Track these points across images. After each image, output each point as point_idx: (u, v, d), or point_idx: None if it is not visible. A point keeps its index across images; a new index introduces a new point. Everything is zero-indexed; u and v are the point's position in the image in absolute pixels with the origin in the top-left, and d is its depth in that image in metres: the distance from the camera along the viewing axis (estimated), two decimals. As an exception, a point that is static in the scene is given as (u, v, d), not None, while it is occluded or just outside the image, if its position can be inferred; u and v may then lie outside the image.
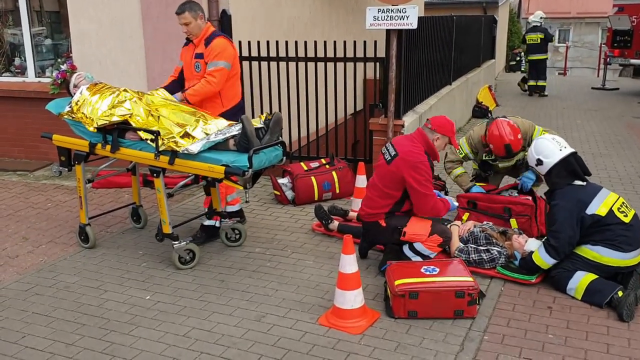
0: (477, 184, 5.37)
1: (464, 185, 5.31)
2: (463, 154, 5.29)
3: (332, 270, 4.42)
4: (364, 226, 4.48)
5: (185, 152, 4.18)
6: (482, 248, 4.39)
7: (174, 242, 4.50)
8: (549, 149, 4.23)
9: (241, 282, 4.33)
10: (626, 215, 4.01)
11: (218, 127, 4.32)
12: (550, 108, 13.10)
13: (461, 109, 10.57)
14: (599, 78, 18.92)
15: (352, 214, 5.39)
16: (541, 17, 14.87)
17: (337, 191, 6.13)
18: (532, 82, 14.95)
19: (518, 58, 21.66)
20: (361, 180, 5.56)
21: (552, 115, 12.12)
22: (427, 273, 3.83)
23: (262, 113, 6.36)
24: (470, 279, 3.79)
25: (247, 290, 4.20)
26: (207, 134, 4.25)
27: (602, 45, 19.91)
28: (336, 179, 6.12)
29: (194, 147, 4.16)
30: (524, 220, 4.90)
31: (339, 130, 6.87)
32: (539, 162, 4.21)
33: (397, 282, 3.74)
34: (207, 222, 5.01)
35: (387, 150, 4.37)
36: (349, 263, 3.63)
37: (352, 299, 3.63)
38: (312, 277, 4.39)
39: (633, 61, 14.88)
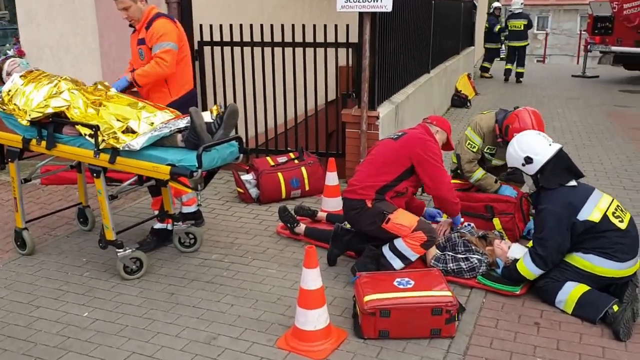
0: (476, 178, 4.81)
1: (490, 187, 4.76)
2: (476, 147, 4.72)
3: (296, 281, 3.96)
4: (345, 205, 4.02)
5: (127, 148, 3.67)
6: (460, 256, 3.96)
7: (118, 250, 4.00)
8: (538, 144, 3.80)
9: (193, 295, 3.85)
10: (622, 221, 3.61)
11: (164, 119, 3.81)
12: (530, 96, 12.76)
13: (440, 98, 10.14)
14: (578, 65, 18.68)
15: (322, 215, 4.93)
16: (522, 3, 14.55)
17: (307, 188, 5.66)
18: (509, 66, 14.92)
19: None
20: (332, 178, 5.09)
21: (532, 103, 11.72)
22: (401, 287, 3.39)
23: (224, 104, 5.88)
24: (449, 293, 3.35)
25: (199, 305, 3.72)
26: (151, 126, 3.74)
27: (582, 32, 19.63)
28: (305, 175, 5.65)
29: (136, 143, 3.65)
30: (508, 219, 4.49)
31: (309, 122, 6.38)
32: (528, 161, 3.77)
33: (367, 299, 3.29)
34: (158, 225, 4.51)
35: (393, 134, 4.16)
36: (312, 278, 3.16)
37: (315, 319, 3.18)
38: (273, 289, 3.92)
39: (614, 48, 14.62)
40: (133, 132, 3.72)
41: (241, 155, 3.99)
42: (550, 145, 3.79)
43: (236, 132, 4.04)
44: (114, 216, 4.16)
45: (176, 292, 3.89)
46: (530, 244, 4.01)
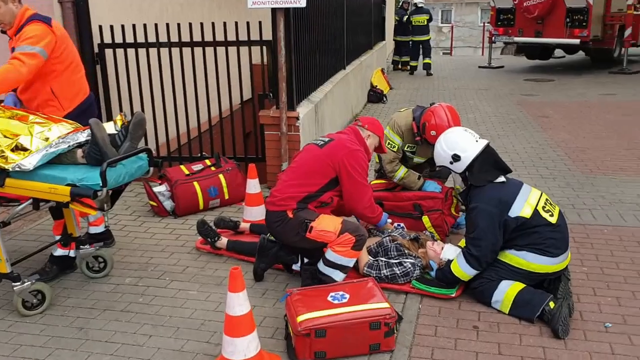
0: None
1: (414, 185, 4.59)
2: (396, 146, 4.54)
3: (220, 302, 3.65)
4: (267, 218, 3.72)
5: (18, 169, 3.21)
6: (393, 261, 3.79)
7: (14, 284, 3.51)
8: (464, 141, 3.69)
9: (105, 328, 3.44)
10: (552, 215, 3.56)
11: (60, 133, 3.37)
12: (442, 89, 12.98)
13: (357, 94, 10.04)
14: (484, 57, 19.32)
15: (244, 225, 4.62)
16: None
17: (226, 197, 5.33)
18: (414, 63, 15.52)
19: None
20: (253, 185, 4.79)
21: (445, 96, 11.94)
22: (336, 302, 3.16)
23: (131, 112, 5.42)
24: (386, 304, 3.16)
25: (113, 339, 3.32)
26: (46, 141, 3.29)
27: (486, 24, 20.31)
28: (224, 183, 5.31)
29: (28, 162, 3.20)
30: (437, 215, 4.38)
31: (224, 125, 6.04)
32: (456, 158, 3.65)
33: (300, 318, 3.03)
34: (59, 252, 4.02)
35: (318, 139, 3.84)
36: (239, 303, 2.86)
37: (244, 347, 2.88)
38: (195, 313, 3.58)
39: (517, 39, 15.15)
40: (24, 149, 3.26)
41: (151, 169, 3.61)
42: (477, 141, 3.69)
43: (145, 144, 3.65)
44: (9, 242, 3.68)
45: (86, 325, 3.47)
46: (462, 242, 3.92)
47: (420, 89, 13.16)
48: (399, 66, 16.08)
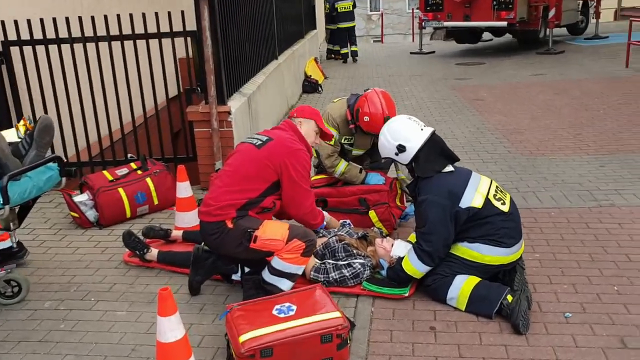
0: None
1: (356, 179, 4.31)
2: (333, 139, 4.21)
3: (153, 322, 3.27)
4: (202, 230, 3.34)
5: None
6: (342, 263, 3.53)
7: None
8: (409, 130, 3.45)
9: (20, 363, 3.02)
10: (504, 203, 3.38)
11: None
12: (376, 77, 12.84)
13: (291, 85, 9.72)
14: (414, 43, 19.38)
15: (176, 233, 4.24)
16: None
17: (155, 202, 4.92)
18: (345, 50, 15.35)
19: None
20: (183, 188, 4.40)
21: (380, 83, 11.79)
22: (282, 315, 2.86)
23: (39, 115, 4.91)
24: (337, 314, 2.89)
25: (29, 377, 2.91)
26: None
27: (415, 10, 20.38)
28: (152, 187, 4.89)
29: None
30: (383, 209, 4.16)
31: (150, 124, 5.60)
32: (401, 149, 3.41)
33: (242, 338, 2.72)
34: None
35: (254, 137, 3.46)
36: (170, 328, 2.51)
37: (180, 377, 2.54)
38: (125, 337, 3.20)
39: (446, 23, 15.20)
40: None
41: (64, 179, 3.19)
42: (422, 130, 3.47)
43: (63, 150, 3.21)
44: None
45: (-3, 363, 3.03)
46: (412, 237, 3.70)
47: (354, 77, 12.97)
48: (333, 55, 15.88)
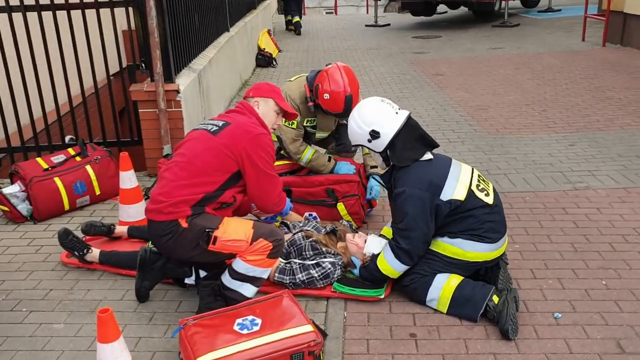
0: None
1: (324, 168, 3.91)
2: (294, 122, 3.79)
3: (96, 337, 2.84)
4: (152, 230, 2.90)
5: None
6: (310, 262, 3.17)
7: None
8: (383, 113, 3.08)
9: None
10: (487, 194, 3.07)
11: None
12: (332, 50, 12.40)
13: (244, 59, 9.19)
14: (369, 15, 18.95)
15: (121, 229, 3.79)
16: None
17: (97, 192, 4.42)
18: (297, 19, 14.98)
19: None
20: (127, 178, 3.93)
21: (336, 57, 11.37)
22: (245, 332, 2.49)
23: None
24: (309, 327, 2.53)
25: (-57, 414, 2.45)
26: None
27: (369, -19, 19.89)
28: (93, 176, 4.39)
29: None
30: (353, 201, 3.80)
31: (89, 104, 5.04)
32: (374, 135, 3.04)
33: (199, 361, 2.33)
34: None
35: (208, 123, 3.02)
36: (114, 356, 2.11)
37: (127, 413, 2.14)
38: (63, 356, 2.76)
39: (401, -4, 14.87)
40: None
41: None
42: (397, 113, 3.10)
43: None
44: None
45: None
46: (385, 231, 3.37)
47: (309, 50, 12.49)
48: (291, 26, 15.39)
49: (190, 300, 3.18)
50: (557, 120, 6.42)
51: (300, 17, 15.13)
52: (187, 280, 3.22)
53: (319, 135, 4.03)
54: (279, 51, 12.04)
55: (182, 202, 2.76)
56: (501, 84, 8.33)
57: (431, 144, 3.10)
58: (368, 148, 3.13)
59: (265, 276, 2.89)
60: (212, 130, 2.88)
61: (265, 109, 3.09)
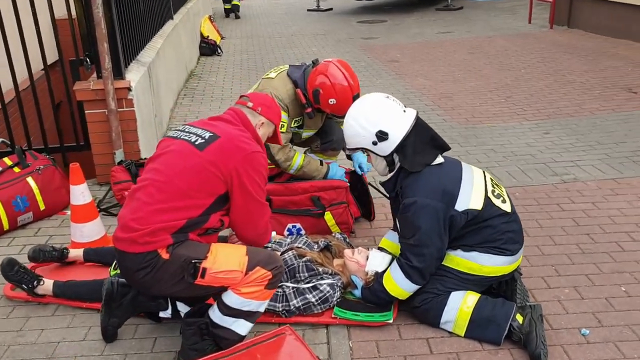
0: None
1: (317, 173, 3.47)
2: (284, 125, 3.32)
3: (57, 396, 2.36)
4: (125, 264, 2.38)
5: None
6: (305, 286, 2.77)
7: None
8: (390, 112, 2.70)
9: None
10: (504, 201, 2.75)
11: None
12: (278, 36, 11.92)
13: (190, 48, 8.60)
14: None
15: (75, 253, 3.26)
16: None
17: (42, 208, 3.86)
18: (235, 1, 14.72)
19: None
20: (79, 193, 3.39)
21: (283, 43, 10.92)
22: (248, 385, 2.07)
23: None
24: (323, 372, 2.14)
25: None
26: None
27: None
28: (36, 189, 3.82)
29: None
30: (341, 210, 3.41)
31: (25, 103, 4.40)
32: (382, 137, 2.65)
33: None
34: None
35: (189, 132, 2.48)
36: None
37: None
38: None
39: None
40: None
41: None
42: (404, 111, 2.73)
43: None
44: None
45: None
46: (384, 242, 3.01)
47: (253, 36, 11.96)
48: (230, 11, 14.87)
49: (167, 336, 2.73)
50: (525, 106, 6.24)
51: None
52: (162, 314, 2.75)
53: (306, 134, 3.59)
54: (222, 38, 11.46)
55: (160, 229, 2.29)
56: (459, 70, 8.12)
57: (442, 147, 2.74)
58: (370, 152, 2.73)
59: (262, 310, 2.47)
60: (196, 143, 2.40)
61: (264, 132, 2.66)
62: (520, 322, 2.57)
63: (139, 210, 2.33)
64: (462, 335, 2.65)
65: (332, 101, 3.23)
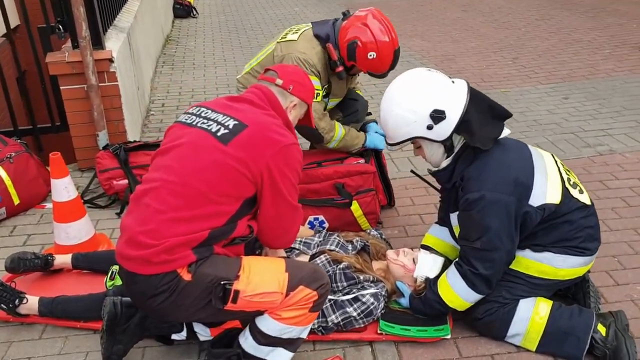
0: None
1: (358, 141, 2.99)
2: (319, 93, 2.82)
3: None
4: (136, 288, 1.92)
5: None
6: (345, 298, 2.33)
7: None
8: (440, 86, 2.22)
9: None
10: (581, 191, 2.33)
11: None
12: (255, -4, 11.21)
13: (165, 10, 7.92)
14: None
15: (62, 260, 2.76)
16: None
17: (16, 201, 3.32)
18: None
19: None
20: (62, 188, 2.85)
21: (263, 4, 10.25)
22: None
23: None
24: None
25: None
26: None
27: None
28: (8, 181, 3.28)
29: None
30: (370, 198, 2.96)
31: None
32: (438, 116, 2.17)
33: None
34: None
35: (206, 118, 1.99)
36: None
37: None
38: None
39: None
40: None
41: None
42: (453, 82, 2.26)
43: None
44: None
45: None
46: (428, 239, 2.59)
47: (231, -4, 11.23)
48: None
49: (181, 362, 2.28)
50: (535, 69, 5.83)
51: None
52: (174, 336, 2.30)
53: (331, 103, 3.06)
54: (197, -3, 10.71)
55: (180, 244, 1.81)
56: (455, 29, 7.65)
57: (503, 115, 2.27)
58: (423, 139, 2.26)
59: (304, 336, 2.03)
60: (218, 134, 1.90)
61: (296, 114, 2.18)
62: (603, 334, 2.19)
63: (150, 220, 1.83)
64: (534, 350, 2.26)
65: (371, 55, 2.73)
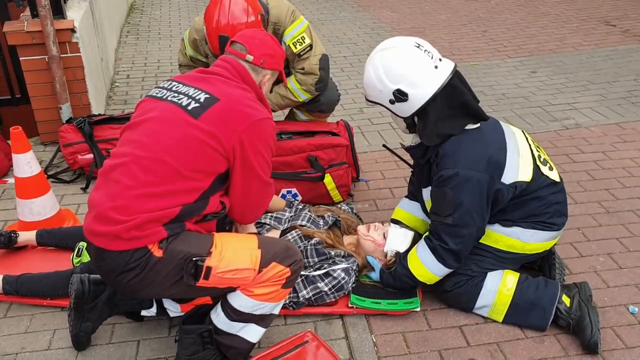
0: None
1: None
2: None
3: None
4: (105, 266, 1.85)
5: None
6: (316, 273, 2.33)
7: None
8: (417, 66, 2.18)
9: None
10: (551, 168, 2.36)
11: None
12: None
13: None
14: None
15: (26, 236, 2.69)
16: None
17: (-24, 178, 3.22)
18: None
19: None
20: (25, 163, 2.77)
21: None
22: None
23: None
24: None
25: None
26: None
27: None
28: (-34, 156, 3.16)
29: None
30: (342, 171, 2.96)
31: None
32: (400, 97, 2.16)
33: None
34: None
35: (177, 91, 1.94)
36: None
37: None
38: None
39: None
40: None
41: None
42: (436, 67, 2.22)
43: None
44: None
45: None
46: (397, 213, 2.61)
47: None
48: None
49: (152, 338, 2.27)
50: (504, 42, 5.86)
51: None
52: (144, 312, 2.28)
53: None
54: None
55: (150, 220, 1.78)
56: (425, 1, 7.60)
57: (476, 116, 2.24)
58: (388, 109, 2.26)
59: (277, 312, 2.03)
60: (189, 107, 1.85)
61: (269, 85, 2.16)
62: (568, 304, 2.25)
63: (120, 196, 1.79)
64: (501, 321, 2.31)
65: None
